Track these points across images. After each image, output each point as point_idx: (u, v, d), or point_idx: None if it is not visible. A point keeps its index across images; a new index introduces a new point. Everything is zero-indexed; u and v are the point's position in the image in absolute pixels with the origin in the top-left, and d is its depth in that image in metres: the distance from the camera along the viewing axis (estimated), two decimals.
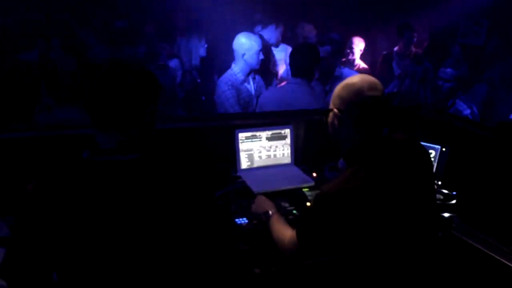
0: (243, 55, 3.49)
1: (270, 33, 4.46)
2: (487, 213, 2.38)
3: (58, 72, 2.61)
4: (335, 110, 1.74)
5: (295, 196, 2.50)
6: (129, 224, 1.35)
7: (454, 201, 2.54)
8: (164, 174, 1.40)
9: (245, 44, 3.49)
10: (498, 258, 2.12)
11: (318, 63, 3.38)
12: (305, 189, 2.58)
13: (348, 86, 1.73)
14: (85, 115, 1.34)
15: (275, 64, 4.49)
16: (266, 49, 4.14)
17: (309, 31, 5.15)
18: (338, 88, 1.77)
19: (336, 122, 1.75)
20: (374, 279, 1.72)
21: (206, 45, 4.27)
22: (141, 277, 1.39)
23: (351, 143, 1.74)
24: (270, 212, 2.08)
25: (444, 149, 2.79)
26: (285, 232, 1.87)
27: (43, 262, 1.38)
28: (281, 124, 2.79)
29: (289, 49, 4.42)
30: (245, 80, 3.58)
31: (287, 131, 2.80)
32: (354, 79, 1.74)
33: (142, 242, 1.36)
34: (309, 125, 2.92)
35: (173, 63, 3.45)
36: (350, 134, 1.74)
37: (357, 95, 1.68)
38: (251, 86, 3.64)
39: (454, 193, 2.62)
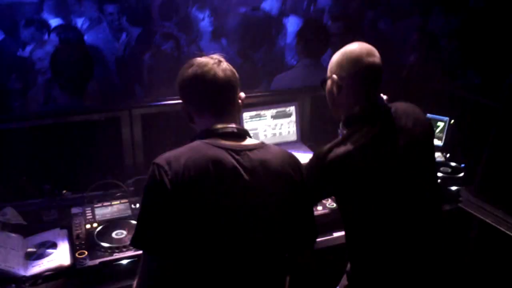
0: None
1: (271, 4, 4.35)
2: (495, 186, 2.36)
3: (60, 60, 2.60)
4: (334, 76, 1.76)
5: None
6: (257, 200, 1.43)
7: (462, 174, 2.53)
8: (279, 157, 1.50)
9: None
10: (506, 231, 2.11)
11: (327, 45, 3.21)
12: None
13: (346, 53, 1.75)
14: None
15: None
16: (269, 21, 4.02)
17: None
18: (337, 56, 1.78)
19: (335, 89, 1.77)
20: (375, 250, 1.74)
21: (212, 18, 4.18)
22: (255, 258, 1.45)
23: (350, 109, 1.76)
24: None
25: (452, 120, 2.75)
26: None
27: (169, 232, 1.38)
28: (286, 102, 2.78)
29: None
30: None
31: (292, 109, 2.79)
32: (352, 46, 1.76)
33: (263, 218, 1.44)
34: (314, 101, 2.89)
35: (168, 45, 3.31)
36: (349, 100, 1.76)
37: (356, 62, 1.71)
38: None
39: (463, 165, 2.59)
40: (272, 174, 1.45)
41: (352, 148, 1.65)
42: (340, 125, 1.84)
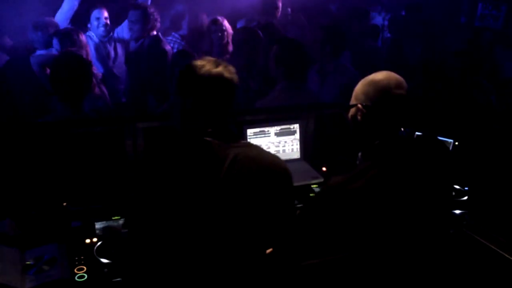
0: None
1: None
2: (499, 211, 2.33)
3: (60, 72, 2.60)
4: (360, 105, 1.72)
5: (304, 193, 2.48)
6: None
7: (465, 198, 2.50)
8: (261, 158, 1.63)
9: None
10: (510, 257, 2.08)
11: (309, 65, 3.06)
12: (314, 186, 2.56)
13: (374, 82, 1.70)
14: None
15: None
16: None
17: None
18: (362, 84, 1.74)
19: (359, 117, 1.72)
20: (379, 277, 1.71)
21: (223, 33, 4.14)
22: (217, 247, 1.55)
23: (371, 139, 1.72)
24: None
25: (457, 143, 2.73)
26: None
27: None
28: (290, 119, 2.77)
29: None
30: None
31: (296, 126, 2.77)
32: (379, 76, 1.72)
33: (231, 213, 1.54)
34: (319, 119, 2.88)
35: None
36: (372, 130, 1.72)
37: (384, 93, 1.67)
38: None
39: (466, 188, 2.57)
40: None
41: (366, 185, 1.60)
42: (359, 155, 1.81)
